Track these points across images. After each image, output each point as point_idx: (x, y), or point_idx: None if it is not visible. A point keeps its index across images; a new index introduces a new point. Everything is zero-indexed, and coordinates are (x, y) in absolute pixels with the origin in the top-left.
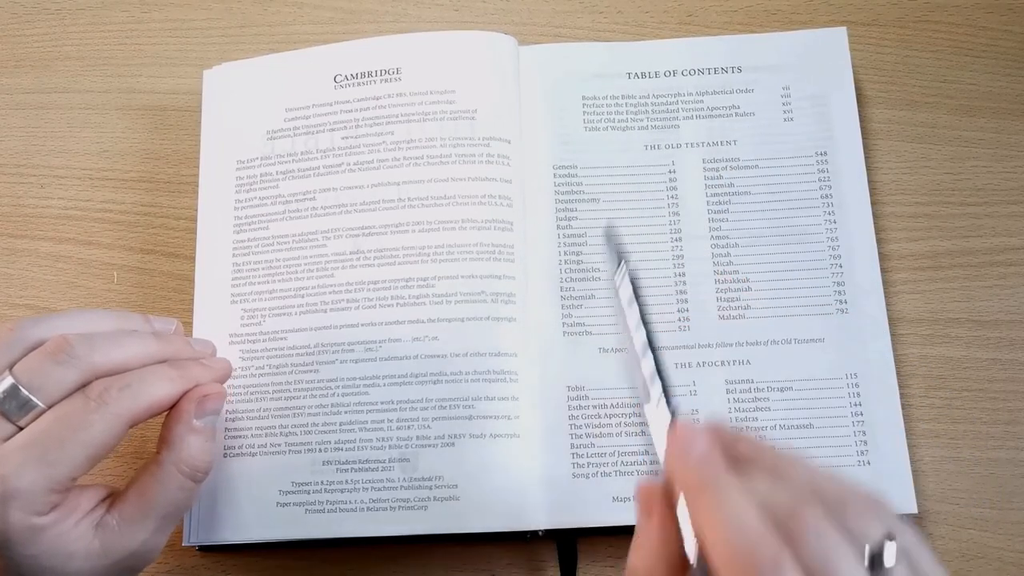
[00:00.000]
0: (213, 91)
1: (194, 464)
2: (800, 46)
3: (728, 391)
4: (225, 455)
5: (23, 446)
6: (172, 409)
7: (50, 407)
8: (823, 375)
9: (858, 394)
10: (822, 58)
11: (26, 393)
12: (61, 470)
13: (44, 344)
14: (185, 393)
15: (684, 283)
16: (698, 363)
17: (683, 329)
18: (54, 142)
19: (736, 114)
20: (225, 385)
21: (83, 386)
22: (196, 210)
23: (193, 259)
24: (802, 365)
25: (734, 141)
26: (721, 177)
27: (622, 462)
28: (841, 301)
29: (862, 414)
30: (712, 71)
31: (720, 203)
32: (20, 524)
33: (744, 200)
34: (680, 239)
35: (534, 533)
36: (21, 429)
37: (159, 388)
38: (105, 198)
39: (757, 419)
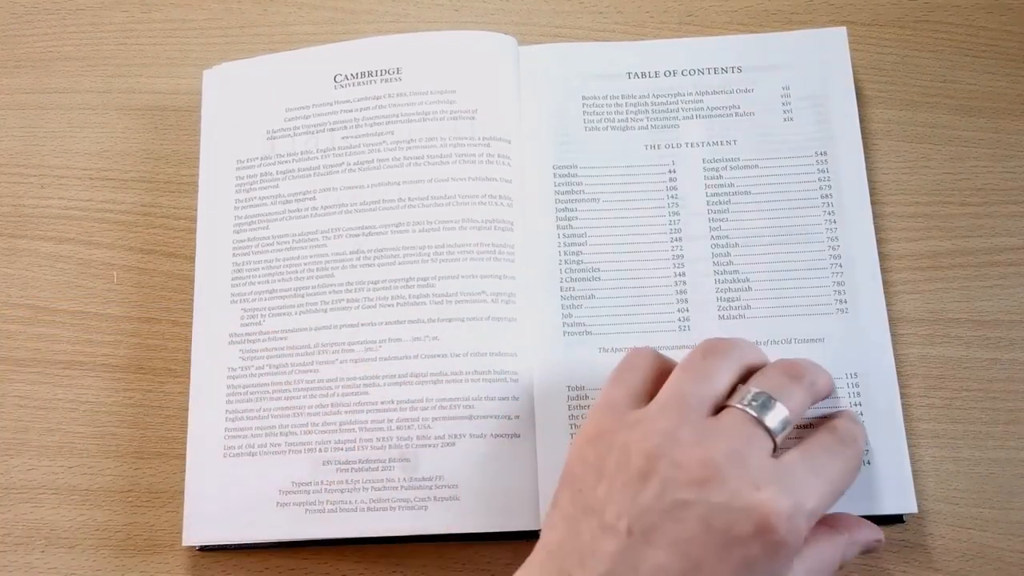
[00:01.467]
0: (213, 91)
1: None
2: (800, 46)
3: None
4: (225, 455)
5: (808, 472)
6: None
7: (795, 424)
8: None
9: (858, 394)
10: (822, 58)
11: (777, 403)
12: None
13: (774, 364)
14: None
15: (684, 283)
16: None
17: (683, 329)
18: (54, 142)
19: (736, 114)
20: (224, 385)
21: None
22: (196, 210)
23: (193, 259)
24: None
25: (734, 141)
26: (721, 177)
27: None
28: (841, 301)
29: (862, 414)
30: (712, 71)
31: (720, 203)
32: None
33: (744, 200)
34: (680, 239)
35: (534, 533)
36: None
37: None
38: (105, 198)
39: None
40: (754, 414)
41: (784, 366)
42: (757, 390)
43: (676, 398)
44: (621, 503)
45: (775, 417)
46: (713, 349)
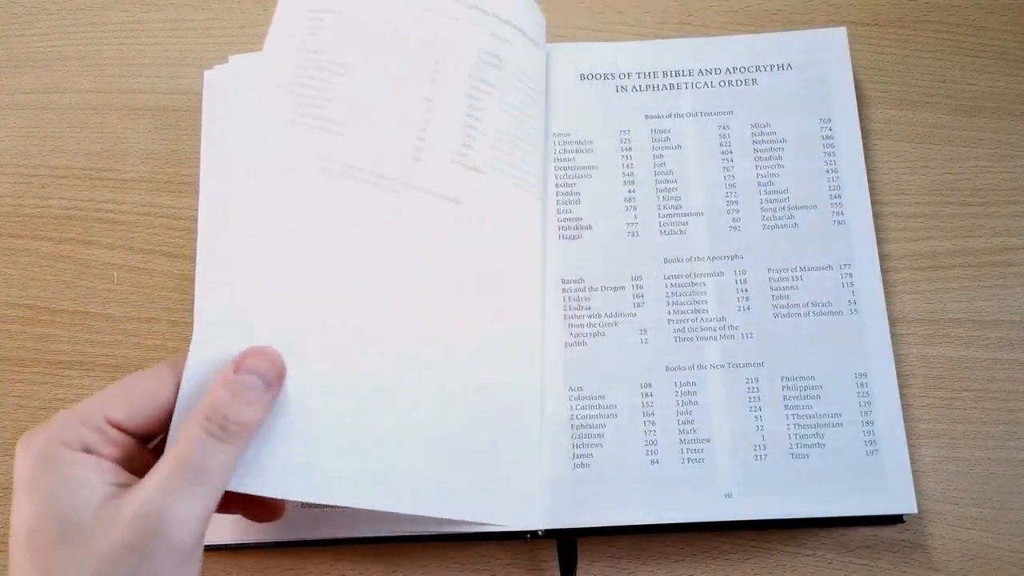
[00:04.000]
0: (215, 87)
1: (218, 410)
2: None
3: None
4: None
5: None
6: None
7: None
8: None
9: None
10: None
11: None
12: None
13: None
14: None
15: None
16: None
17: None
18: (54, 142)
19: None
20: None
21: None
22: (196, 210)
23: (193, 259)
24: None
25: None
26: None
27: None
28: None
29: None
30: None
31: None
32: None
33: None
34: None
35: (534, 533)
36: None
37: None
38: (105, 198)
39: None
40: None
41: None
42: None
43: None
44: None
45: None
46: None
